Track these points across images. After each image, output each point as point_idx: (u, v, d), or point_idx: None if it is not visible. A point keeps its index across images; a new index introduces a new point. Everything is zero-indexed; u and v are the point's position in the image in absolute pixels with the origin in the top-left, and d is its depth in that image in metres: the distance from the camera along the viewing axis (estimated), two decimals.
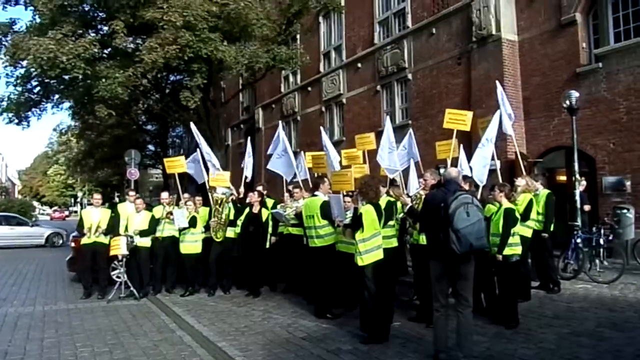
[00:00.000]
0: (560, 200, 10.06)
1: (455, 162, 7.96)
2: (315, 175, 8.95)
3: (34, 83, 17.07)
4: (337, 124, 19.09)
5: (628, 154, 10.19)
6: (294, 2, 16.40)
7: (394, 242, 6.00)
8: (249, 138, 11.44)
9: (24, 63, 14.96)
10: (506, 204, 5.86)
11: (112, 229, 8.14)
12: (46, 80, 16.30)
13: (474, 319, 4.64)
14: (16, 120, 17.51)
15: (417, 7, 15.25)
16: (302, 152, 10.96)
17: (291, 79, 22.31)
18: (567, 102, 9.65)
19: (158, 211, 8.40)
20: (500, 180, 7.07)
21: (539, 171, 11.70)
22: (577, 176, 9.44)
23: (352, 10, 17.91)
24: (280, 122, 12.81)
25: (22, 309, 7.47)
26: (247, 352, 5.02)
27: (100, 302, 7.83)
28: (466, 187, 6.07)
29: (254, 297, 7.83)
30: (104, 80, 13.97)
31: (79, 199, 65.85)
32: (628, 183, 10.15)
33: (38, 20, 15.67)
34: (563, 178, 11.92)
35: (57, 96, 17.73)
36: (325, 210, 6.19)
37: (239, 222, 8.19)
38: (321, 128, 11.15)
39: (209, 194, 8.59)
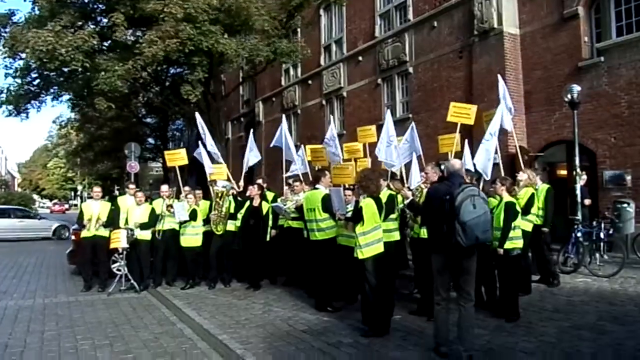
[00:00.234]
0: (561, 195, 10.07)
1: (457, 157, 7.94)
2: (316, 168, 8.95)
3: (34, 75, 16.98)
4: (338, 118, 19.03)
5: (629, 149, 10.17)
6: None
7: (395, 236, 6.00)
8: (251, 131, 11.42)
9: (23, 55, 14.87)
10: (507, 197, 5.85)
11: (112, 221, 8.13)
12: (45, 73, 16.21)
13: (475, 313, 4.63)
14: (15, 113, 17.44)
15: (419, 0, 15.16)
16: (302, 146, 10.94)
17: (292, 72, 22.22)
18: (569, 96, 9.62)
19: (158, 204, 8.39)
20: (503, 174, 7.06)
21: (540, 165, 11.71)
22: (578, 170, 9.43)
23: (353, 3, 17.80)
24: (283, 115, 12.72)
25: (22, 302, 7.47)
26: (247, 345, 5.02)
27: (100, 294, 7.84)
28: (467, 180, 6.07)
29: (254, 290, 7.84)
30: (103, 73, 13.90)
31: (78, 192, 65.87)
32: (628, 177, 10.14)
33: (37, 12, 15.57)
34: (564, 172, 11.91)
35: (56, 88, 17.66)
36: (327, 203, 6.17)
37: (240, 216, 8.19)
38: (331, 118, 11.10)
39: (210, 187, 8.57)
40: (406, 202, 6.16)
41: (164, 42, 13.20)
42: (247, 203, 8.11)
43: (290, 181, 9.25)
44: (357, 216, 5.33)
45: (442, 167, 4.99)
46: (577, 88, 9.61)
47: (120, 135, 27.62)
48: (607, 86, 10.55)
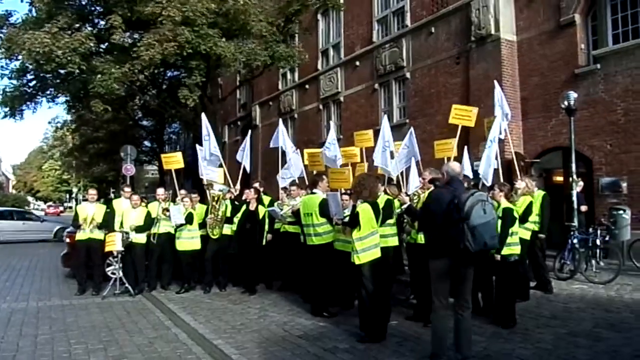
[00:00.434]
0: (557, 201, 10.08)
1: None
2: (314, 172, 8.92)
3: (30, 77, 16.93)
4: (335, 122, 19.01)
5: (625, 156, 10.21)
6: (293, 1, 16.31)
7: (393, 241, 5.98)
8: (249, 132, 11.41)
9: (19, 57, 14.81)
10: (505, 203, 5.85)
11: (107, 224, 8.08)
12: (42, 74, 16.17)
13: (471, 319, 4.60)
14: (10, 114, 17.36)
15: (417, 6, 15.22)
16: (298, 150, 10.92)
17: (289, 76, 22.24)
18: (566, 102, 9.65)
19: (154, 207, 8.34)
20: (501, 180, 7.06)
21: (536, 172, 11.74)
22: (574, 177, 9.45)
23: (351, 8, 17.86)
24: (280, 119, 12.74)
25: (15, 305, 7.40)
26: (243, 350, 4.98)
27: (94, 298, 7.78)
28: (465, 185, 6.06)
29: (250, 294, 7.80)
30: (99, 75, 13.86)
31: (74, 195, 65.56)
32: (624, 184, 10.17)
33: (34, 13, 15.53)
34: (560, 178, 11.92)
35: (52, 90, 17.60)
36: (324, 208, 6.15)
37: (236, 220, 8.15)
38: (331, 123, 11.07)
39: (207, 191, 8.54)
40: (403, 207, 6.15)
41: (162, 45, 13.18)
42: (244, 207, 8.08)
43: (287, 185, 9.22)
44: (354, 221, 5.30)
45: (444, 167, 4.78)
46: (573, 95, 9.64)
47: (116, 137, 27.51)
48: (603, 93, 10.60)
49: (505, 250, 5.65)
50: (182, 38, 13.23)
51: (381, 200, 5.83)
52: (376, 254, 5.29)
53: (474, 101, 12.57)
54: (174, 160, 9.25)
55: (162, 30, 13.18)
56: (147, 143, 31.62)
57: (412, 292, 6.79)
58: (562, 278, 8.25)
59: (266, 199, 8.57)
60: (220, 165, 9.14)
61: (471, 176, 8.24)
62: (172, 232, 8.22)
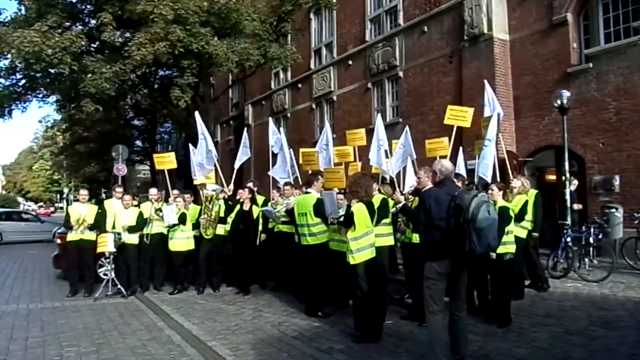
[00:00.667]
0: (550, 199, 10.13)
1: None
2: (309, 172, 8.88)
3: (19, 76, 16.72)
4: (328, 121, 19.00)
5: (617, 154, 10.27)
6: (285, 0, 16.24)
7: (389, 240, 5.95)
8: (245, 130, 11.36)
9: (9, 55, 14.62)
10: (501, 202, 5.85)
11: (99, 225, 7.99)
12: (31, 74, 15.97)
13: (467, 318, 4.58)
14: None
15: (409, 4, 15.21)
16: (291, 149, 10.87)
17: (281, 75, 22.17)
18: (559, 101, 9.69)
19: (146, 208, 8.26)
20: (498, 179, 7.07)
21: (529, 170, 11.78)
22: (568, 175, 9.48)
23: (344, 7, 17.83)
24: (270, 118, 12.69)
25: (5, 307, 7.29)
26: (238, 352, 4.94)
27: (86, 300, 7.69)
28: (459, 184, 6.05)
29: (243, 295, 7.75)
30: (90, 75, 13.72)
31: (64, 195, 64.99)
32: (617, 182, 10.22)
33: (23, 11, 15.34)
34: (552, 177, 11.98)
35: (42, 89, 17.39)
36: (319, 207, 6.11)
37: (230, 220, 8.09)
38: (327, 123, 11.04)
39: (200, 191, 8.47)
40: (398, 206, 6.12)
41: (153, 45, 13.06)
42: (237, 207, 8.02)
43: (280, 185, 9.18)
44: (348, 221, 5.27)
45: (437, 166, 4.62)
46: (566, 94, 9.69)
47: (107, 137, 27.29)
48: (595, 92, 10.65)
49: (501, 249, 5.64)
50: (173, 36, 13.12)
51: (376, 199, 5.80)
52: (371, 253, 5.26)
53: (466, 100, 12.59)
54: (167, 161, 9.16)
55: (154, 29, 13.07)
56: (138, 143, 31.41)
57: (407, 291, 6.77)
58: (556, 276, 8.27)
59: (260, 199, 8.52)
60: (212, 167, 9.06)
61: (465, 175, 8.24)
62: (165, 232, 8.15)
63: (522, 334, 5.32)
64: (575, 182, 9.80)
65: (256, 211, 7.99)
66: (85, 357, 4.91)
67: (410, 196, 6.29)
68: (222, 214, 8.18)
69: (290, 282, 7.67)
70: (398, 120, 14.99)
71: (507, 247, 5.73)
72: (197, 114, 9.47)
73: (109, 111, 23.42)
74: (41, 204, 69.29)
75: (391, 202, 6.37)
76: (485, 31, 12.39)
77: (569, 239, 8.53)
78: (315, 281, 6.32)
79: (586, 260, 8.65)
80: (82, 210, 8.09)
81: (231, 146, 24.96)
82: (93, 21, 15.43)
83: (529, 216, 6.95)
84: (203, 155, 8.70)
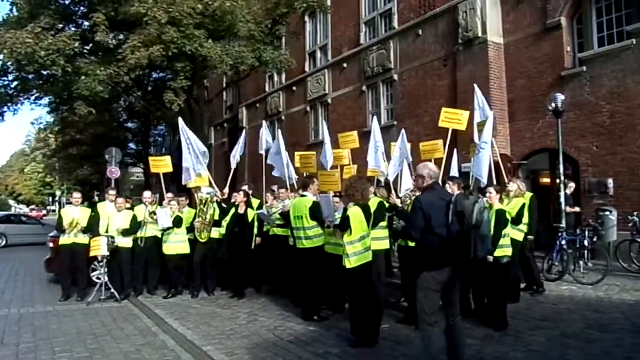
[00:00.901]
0: (544, 202, 10.15)
1: (439, 164, 7.93)
2: (305, 174, 8.85)
3: (11, 77, 16.56)
4: (324, 122, 18.97)
5: (610, 157, 10.32)
6: (280, 3, 16.22)
7: (385, 244, 5.93)
8: (244, 131, 11.30)
9: (0, 56, 14.49)
10: (497, 205, 5.85)
11: (92, 228, 7.91)
12: (24, 75, 15.84)
13: (463, 322, 4.56)
14: None
15: (404, 8, 15.25)
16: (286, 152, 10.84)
17: (276, 78, 22.14)
18: (553, 104, 9.72)
19: (140, 211, 8.19)
20: (494, 182, 7.07)
21: (523, 173, 11.81)
22: (562, 178, 9.51)
23: (338, 10, 17.84)
24: (264, 121, 12.65)
25: None
26: (233, 357, 4.89)
27: (79, 304, 7.60)
28: (455, 188, 6.04)
29: (238, 299, 7.70)
30: (84, 77, 13.61)
31: (57, 198, 64.48)
32: (610, 185, 10.27)
33: (15, 12, 15.22)
34: (547, 180, 12.03)
35: (35, 91, 17.25)
36: (315, 211, 6.08)
37: (224, 223, 8.04)
38: (323, 123, 10.99)
39: (195, 194, 8.40)
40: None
41: (147, 49, 12.98)
42: (232, 210, 7.97)
43: (274, 187, 9.13)
44: (344, 224, 5.24)
45: (426, 170, 4.44)
46: (561, 97, 9.72)
47: (100, 139, 27.13)
48: (589, 95, 10.71)
49: (497, 252, 5.64)
50: (167, 36, 13.04)
51: (373, 202, 5.78)
52: (367, 257, 5.23)
53: (461, 103, 12.59)
54: (163, 164, 9.07)
55: (147, 31, 12.99)
56: (132, 145, 31.26)
57: (403, 294, 6.75)
58: (551, 279, 8.28)
59: (255, 202, 8.47)
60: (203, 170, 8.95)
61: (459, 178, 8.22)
62: (159, 235, 8.08)
63: (519, 337, 5.31)
64: (572, 185, 9.83)
65: (251, 214, 7.94)
66: None
67: (407, 199, 6.28)
68: (216, 217, 8.13)
69: (286, 285, 7.63)
70: (393, 123, 15.00)
71: (504, 250, 5.73)
72: (180, 120, 9.04)
73: (102, 113, 23.34)
74: (33, 206, 68.65)
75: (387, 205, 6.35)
76: (480, 34, 12.43)
77: (563, 242, 8.54)
78: (311, 285, 6.28)
79: (581, 262, 8.68)
80: (75, 214, 8.01)
81: (225, 149, 24.87)
82: (86, 23, 15.31)
83: (525, 219, 6.96)
84: (193, 159, 8.52)
